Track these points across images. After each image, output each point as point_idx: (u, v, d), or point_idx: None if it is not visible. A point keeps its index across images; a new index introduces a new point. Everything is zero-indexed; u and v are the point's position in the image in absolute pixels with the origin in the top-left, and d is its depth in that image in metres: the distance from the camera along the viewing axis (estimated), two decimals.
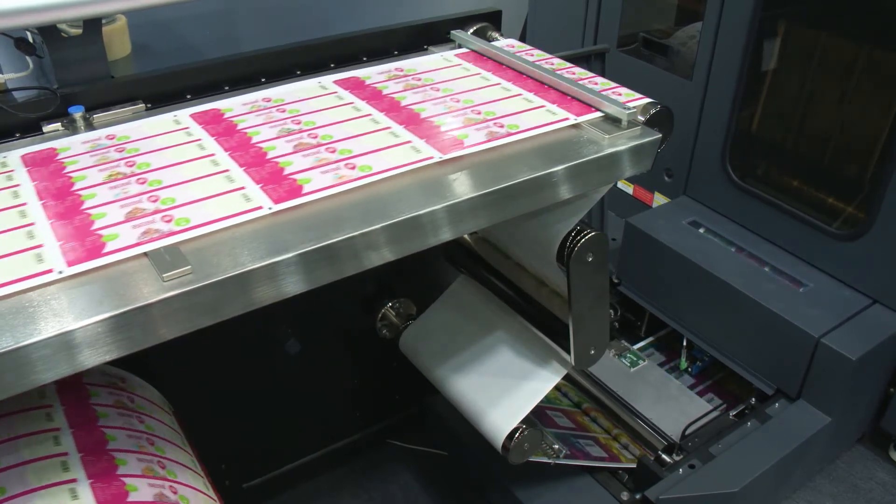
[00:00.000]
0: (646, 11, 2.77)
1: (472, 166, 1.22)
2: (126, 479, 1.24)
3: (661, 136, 1.36)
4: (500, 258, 1.72)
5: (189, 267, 0.97)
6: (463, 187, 1.17)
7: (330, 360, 2.01)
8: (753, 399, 2.17)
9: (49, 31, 1.36)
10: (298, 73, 1.55)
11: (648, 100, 1.42)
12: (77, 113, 1.35)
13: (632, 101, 1.41)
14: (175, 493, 1.30)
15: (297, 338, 1.82)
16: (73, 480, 1.20)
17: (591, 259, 1.42)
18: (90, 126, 1.35)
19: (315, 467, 2.13)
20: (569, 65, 1.58)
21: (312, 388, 2.00)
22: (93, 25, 1.40)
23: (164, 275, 0.95)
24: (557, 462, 1.80)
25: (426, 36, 1.70)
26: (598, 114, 1.38)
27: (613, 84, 1.49)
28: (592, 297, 1.50)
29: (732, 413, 2.17)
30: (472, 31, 1.72)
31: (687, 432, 2.07)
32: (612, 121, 1.36)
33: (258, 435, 1.91)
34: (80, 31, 1.40)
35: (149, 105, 1.43)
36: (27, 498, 1.15)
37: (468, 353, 1.73)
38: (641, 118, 1.38)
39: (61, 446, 1.26)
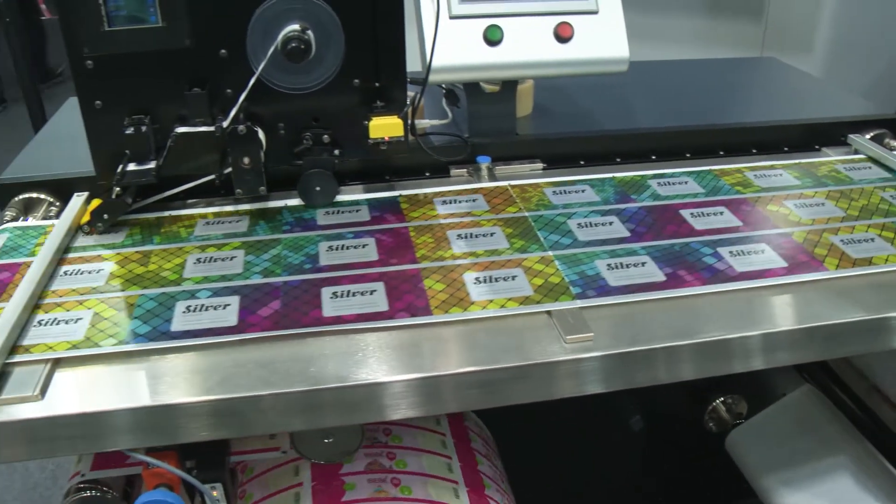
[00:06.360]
0: None
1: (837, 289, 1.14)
2: None
3: None
4: (856, 377, 1.61)
5: (591, 334, 1.01)
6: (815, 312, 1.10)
7: (650, 442, 2.00)
8: None
9: (473, 87, 1.50)
10: (688, 155, 1.58)
11: None
12: (484, 163, 1.47)
13: None
14: None
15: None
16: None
17: None
18: (493, 177, 1.46)
19: None
20: None
21: (633, 465, 1.99)
22: (510, 85, 1.52)
23: (567, 337, 1.00)
24: None
25: (820, 136, 1.65)
26: None
27: None
28: None
29: None
30: (869, 136, 1.65)
31: None
32: None
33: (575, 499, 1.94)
34: (497, 88, 1.52)
35: (546, 165, 1.52)
36: None
37: (804, 469, 1.63)
38: None
39: (453, 474, 1.39)
